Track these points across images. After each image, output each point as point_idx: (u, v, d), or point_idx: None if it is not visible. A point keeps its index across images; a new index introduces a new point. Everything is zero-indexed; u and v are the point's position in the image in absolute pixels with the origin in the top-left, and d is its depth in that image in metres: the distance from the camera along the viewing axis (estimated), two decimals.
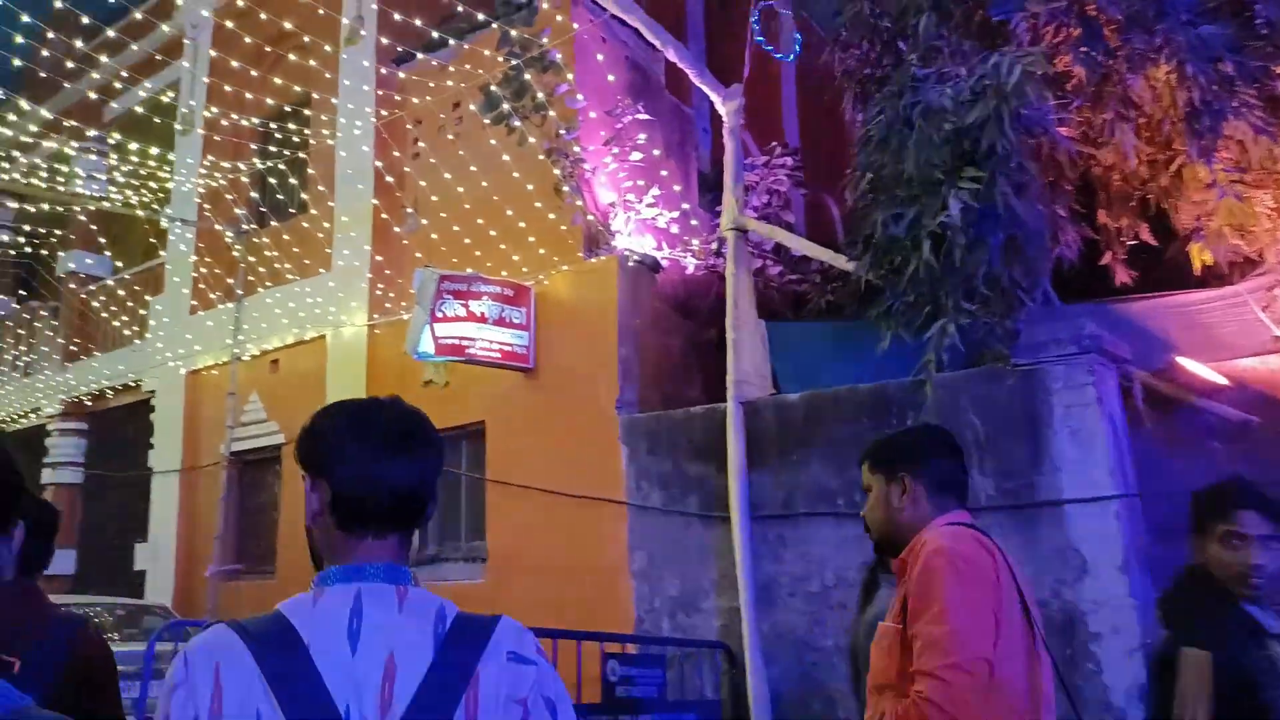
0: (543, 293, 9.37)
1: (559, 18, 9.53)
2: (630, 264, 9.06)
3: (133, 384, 14.43)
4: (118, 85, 15.30)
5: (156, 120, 13.79)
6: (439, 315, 8.59)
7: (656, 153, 9.66)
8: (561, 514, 8.71)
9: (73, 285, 16.13)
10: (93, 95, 15.19)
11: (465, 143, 10.49)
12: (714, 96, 8.45)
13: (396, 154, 11.12)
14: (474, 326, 8.76)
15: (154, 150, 12.73)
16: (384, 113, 11.23)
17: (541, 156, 9.27)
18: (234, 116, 12.96)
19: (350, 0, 12.03)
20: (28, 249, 16.75)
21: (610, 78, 9.79)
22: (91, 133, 15.43)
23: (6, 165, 14.84)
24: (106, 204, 13.88)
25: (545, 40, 8.88)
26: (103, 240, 15.37)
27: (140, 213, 12.71)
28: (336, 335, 11.12)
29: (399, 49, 11.37)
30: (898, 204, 5.97)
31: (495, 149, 9.79)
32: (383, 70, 11.51)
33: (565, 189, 9.10)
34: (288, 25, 11.64)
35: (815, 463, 7.32)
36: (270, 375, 12.22)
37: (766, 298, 9.18)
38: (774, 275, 9.66)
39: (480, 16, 10.23)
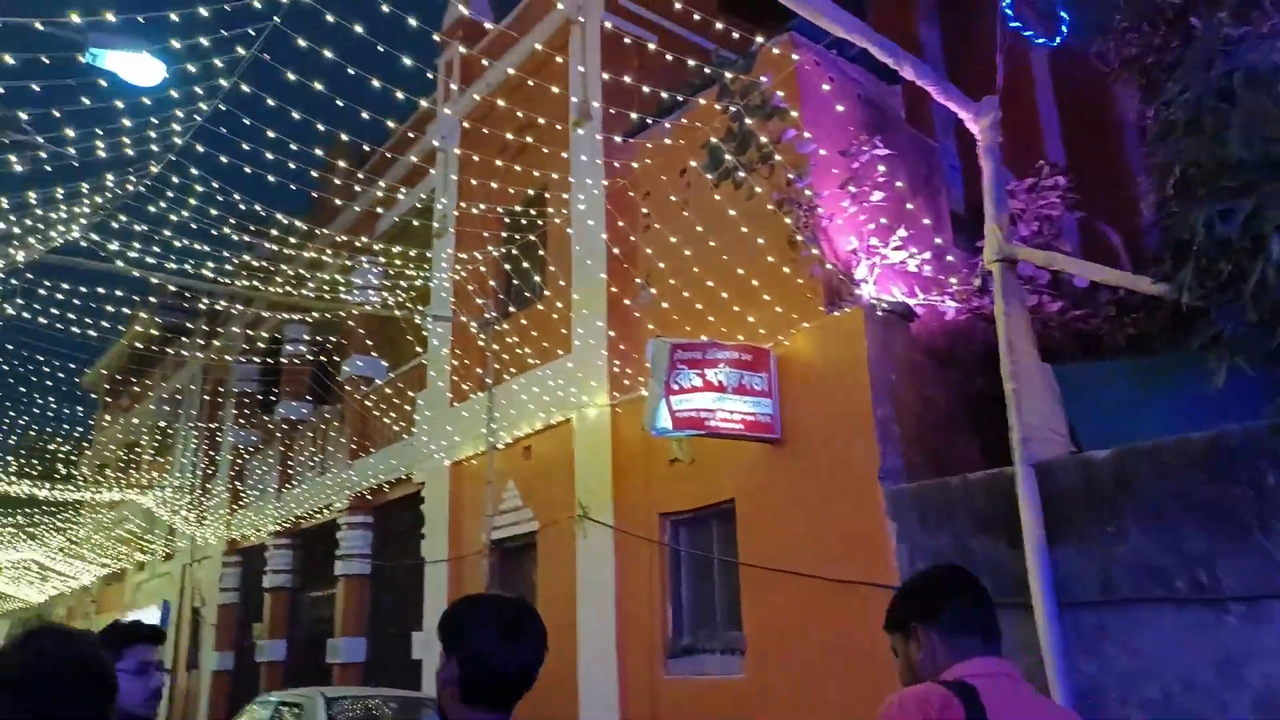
0: (784, 355, 8.57)
1: (776, 50, 8.93)
2: (879, 314, 8.08)
3: (405, 477, 15.15)
4: (381, 193, 16.59)
5: (417, 223, 14.72)
6: (674, 387, 8.02)
7: (900, 185, 8.67)
8: (824, 599, 7.70)
9: (352, 388, 17.40)
10: (356, 207, 16.58)
11: (693, 206, 10.06)
12: (963, 114, 7.39)
13: (621, 223, 10.93)
14: (712, 397, 8.11)
15: (414, 254, 13.52)
16: (605, 183, 11.10)
17: (771, 207, 8.59)
18: (482, 208, 13.49)
19: (577, 80, 12.17)
20: (321, 358, 18.41)
21: (839, 108, 8.99)
22: (362, 239, 16.75)
23: (300, 285, 16.40)
24: (372, 308, 14.86)
25: (765, 83, 8.27)
26: (371, 343, 16.49)
27: (397, 313, 13.35)
28: (581, 417, 10.92)
29: (631, 115, 11.31)
30: (1223, 198, 4.64)
31: (723, 207, 9.25)
32: (612, 147, 11.45)
33: (800, 239, 8.34)
34: (523, 115, 11.97)
35: (1136, 534, 5.86)
36: (523, 462, 12.25)
37: (1048, 338, 7.82)
38: (1054, 312, 8.26)
39: (703, 67, 9.86)
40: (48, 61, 8.30)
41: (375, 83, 9.51)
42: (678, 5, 9.26)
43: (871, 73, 10.14)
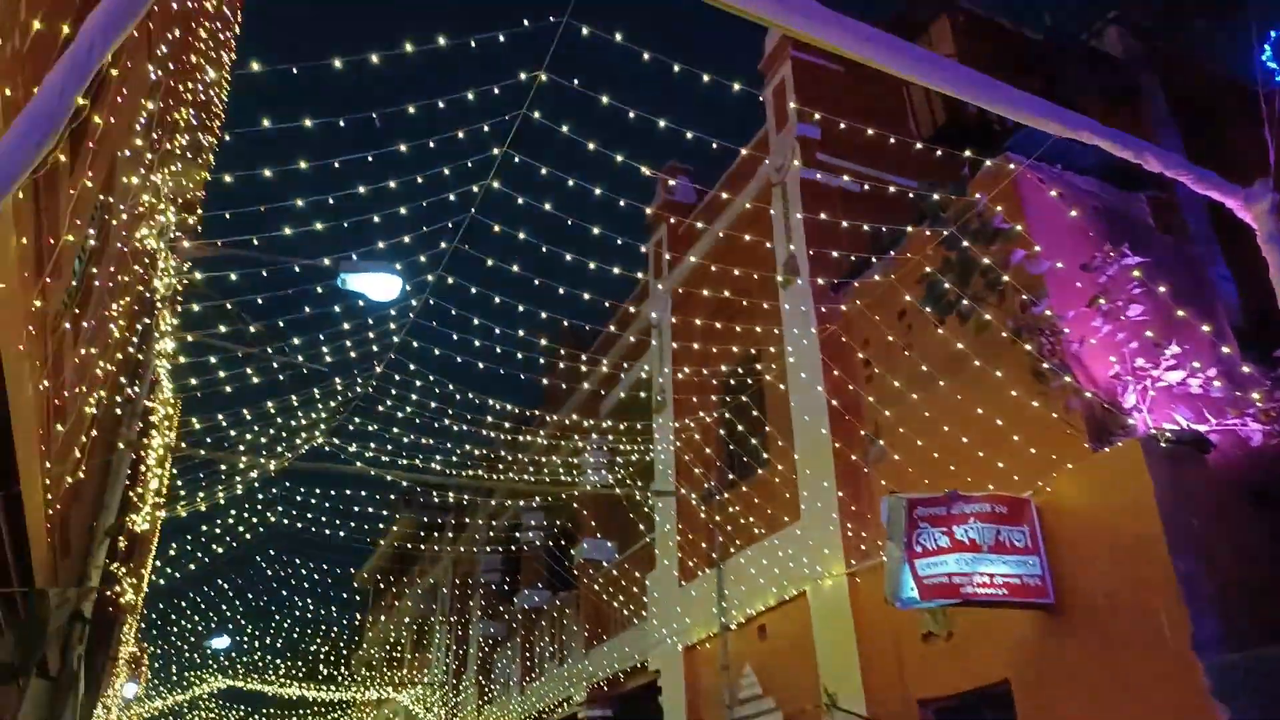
0: (1048, 504, 7.32)
1: (992, 173, 8.18)
2: (1163, 446, 6.74)
3: (640, 665, 14.39)
4: (604, 370, 16.85)
5: (642, 395, 14.72)
6: (918, 550, 6.98)
7: (1161, 289, 7.45)
8: None
9: (582, 573, 17.15)
10: (584, 384, 16.89)
11: (918, 347, 9.23)
12: (1231, 203, 6.26)
13: (838, 373, 10.20)
14: (965, 558, 6.97)
15: (638, 428, 13.42)
16: (816, 333, 10.48)
17: (1006, 334, 7.61)
18: (701, 373, 13.28)
19: (781, 236, 11.91)
20: (553, 543, 18.46)
21: (1072, 219, 7.99)
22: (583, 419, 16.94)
23: (535, 471, 16.73)
24: (595, 488, 14.74)
25: (980, 201, 7.52)
26: (598, 525, 16.29)
27: (618, 491, 13.08)
28: (817, 590, 9.88)
29: (839, 260, 10.82)
30: None
31: (952, 344, 8.36)
32: (823, 297, 10.95)
33: (1047, 369, 7.26)
34: (737, 273, 11.80)
35: None
36: (759, 643, 11.22)
37: None
38: None
39: (911, 198, 9.26)
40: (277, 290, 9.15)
41: (591, 265, 9.73)
42: (878, 132, 8.85)
43: (1108, 183, 9.14)
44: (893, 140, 8.95)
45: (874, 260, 10.35)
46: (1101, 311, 7.43)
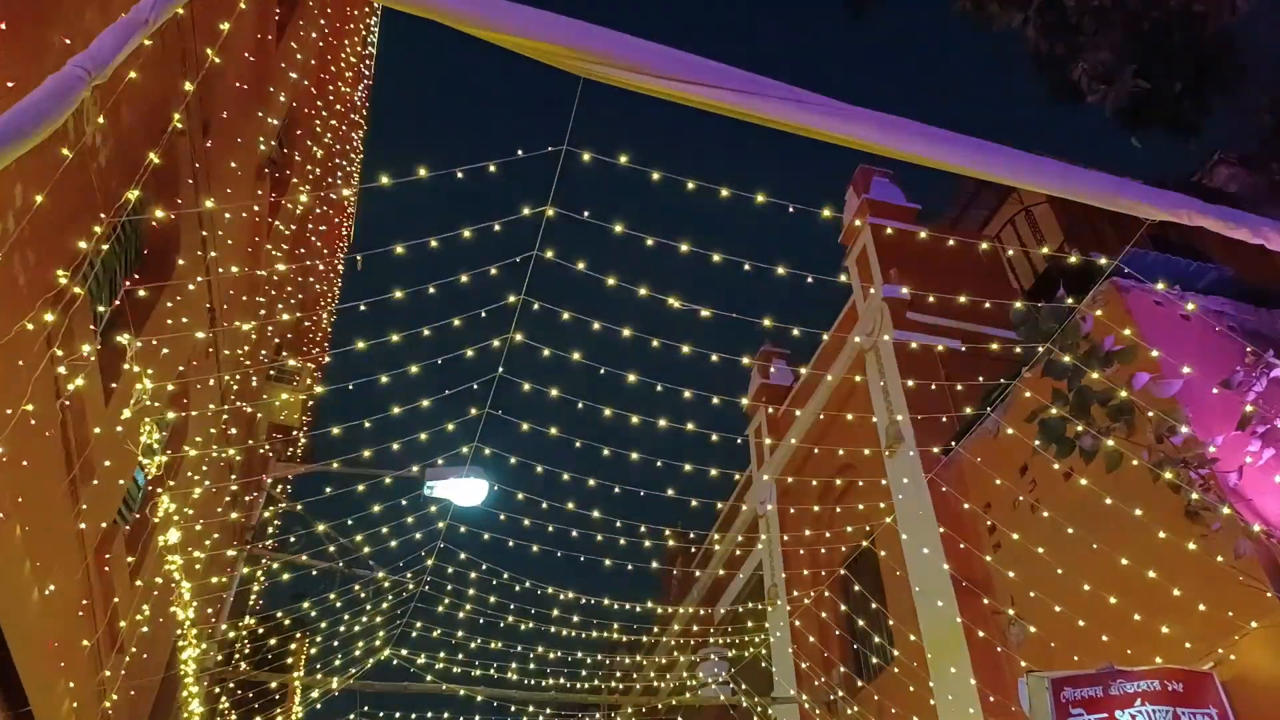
0: (1235, 675, 5.86)
1: (1101, 304, 7.30)
2: None
3: None
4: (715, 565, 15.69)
5: (749, 605, 13.52)
6: None
7: None
8: None
9: None
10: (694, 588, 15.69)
11: (1047, 504, 8.05)
12: None
13: (960, 545, 9.00)
14: None
15: (747, 626, 12.18)
16: (926, 493, 9.37)
17: (1144, 466, 6.46)
18: (814, 566, 12.12)
19: (880, 410, 11.05)
20: None
21: (1188, 306, 6.91)
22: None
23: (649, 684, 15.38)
24: (693, 695, 13.29)
25: (1085, 326, 6.64)
26: None
27: (743, 701, 11.69)
28: None
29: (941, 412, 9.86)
30: None
31: (1084, 493, 7.20)
32: (933, 463, 9.91)
33: (1201, 505, 6.05)
34: (833, 475, 10.92)
35: None
36: None
37: None
38: None
39: (1015, 349, 8.38)
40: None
41: (687, 467, 9.20)
42: (968, 295, 8.20)
43: (1243, 301, 8.15)
44: (988, 303, 8.33)
45: (984, 413, 9.39)
46: (1258, 434, 6.25)
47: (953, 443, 10.02)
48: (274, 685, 9.26)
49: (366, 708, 9.61)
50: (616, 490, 7.97)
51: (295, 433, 13.18)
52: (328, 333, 16.80)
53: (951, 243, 11.45)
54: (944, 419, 10.13)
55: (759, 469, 14.98)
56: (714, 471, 8.72)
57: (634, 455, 7.78)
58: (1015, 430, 8.65)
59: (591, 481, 7.89)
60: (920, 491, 9.92)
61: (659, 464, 8.27)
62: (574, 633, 9.55)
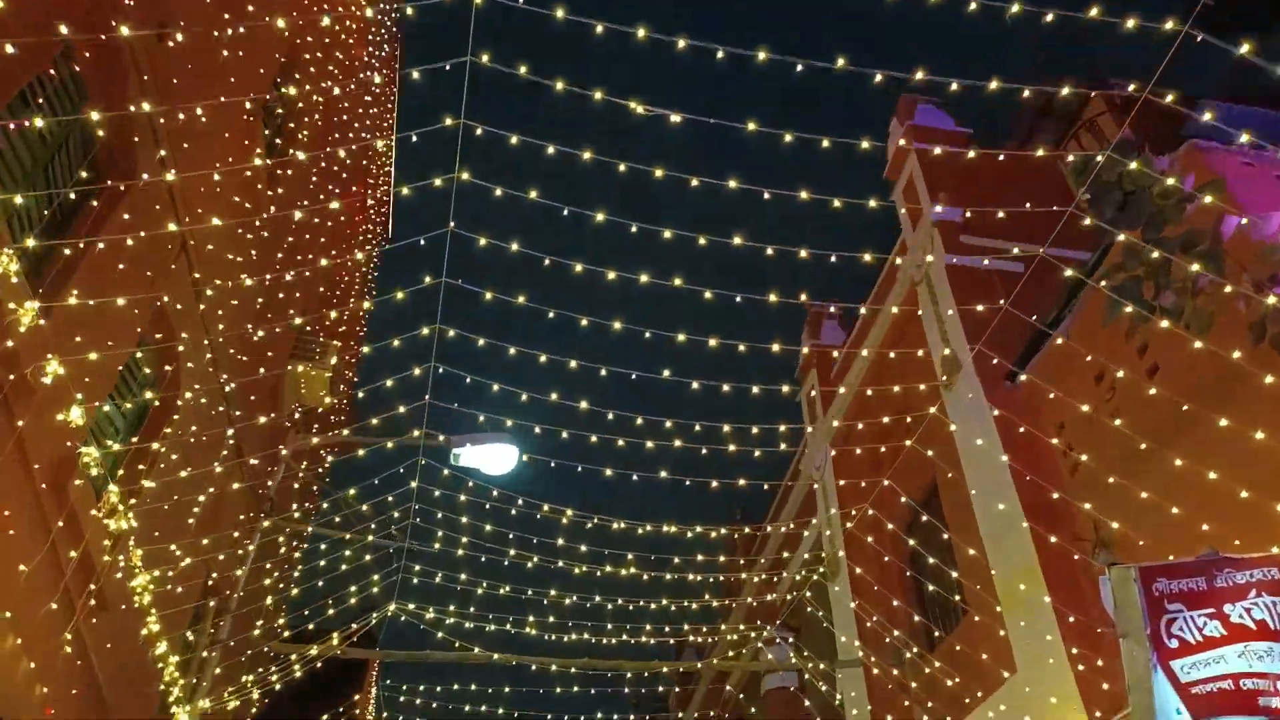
0: None
1: (1176, 158, 6.26)
2: None
3: None
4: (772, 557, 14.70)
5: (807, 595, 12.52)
6: (1170, 645, 4.58)
7: None
8: None
9: None
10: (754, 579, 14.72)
11: (1128, 407, 7.00)
12: None
13: (1030, 478, 7.94)
14: (1256, 650, 4.49)
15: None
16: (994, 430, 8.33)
17: (1240, 327, 5.41)
18: (875, 525, 11.09)
19: (935, 343, 10.04)
20: None
21: None
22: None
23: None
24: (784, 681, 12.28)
25: (1156, 164, 5.63)
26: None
27: (791, 664, 10.68)
28: None
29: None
30: None
31: (1170, 384, 6.16)
32: (998, 393, 8.88)
33: None
34: (887, 419, 9.94)
35: None
36: None
37: None
38: None
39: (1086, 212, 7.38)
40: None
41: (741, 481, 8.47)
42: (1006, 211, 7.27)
43: None
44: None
45: (1053, 326, 8.38)
46: None
47: (1015, 368, 8.99)
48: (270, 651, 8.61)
49: None
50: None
51: (320, 409, 12.68)
52: (361, 319, 16.39)
53: (1002, 158, 10.47)
54: (1005, 342, 9.12)
55: (813, 434, 14.00)
56: (755, 454, 8.02)
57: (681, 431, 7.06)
58: (1087, 338, 7.67)
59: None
60: (984, 422, 8.89)
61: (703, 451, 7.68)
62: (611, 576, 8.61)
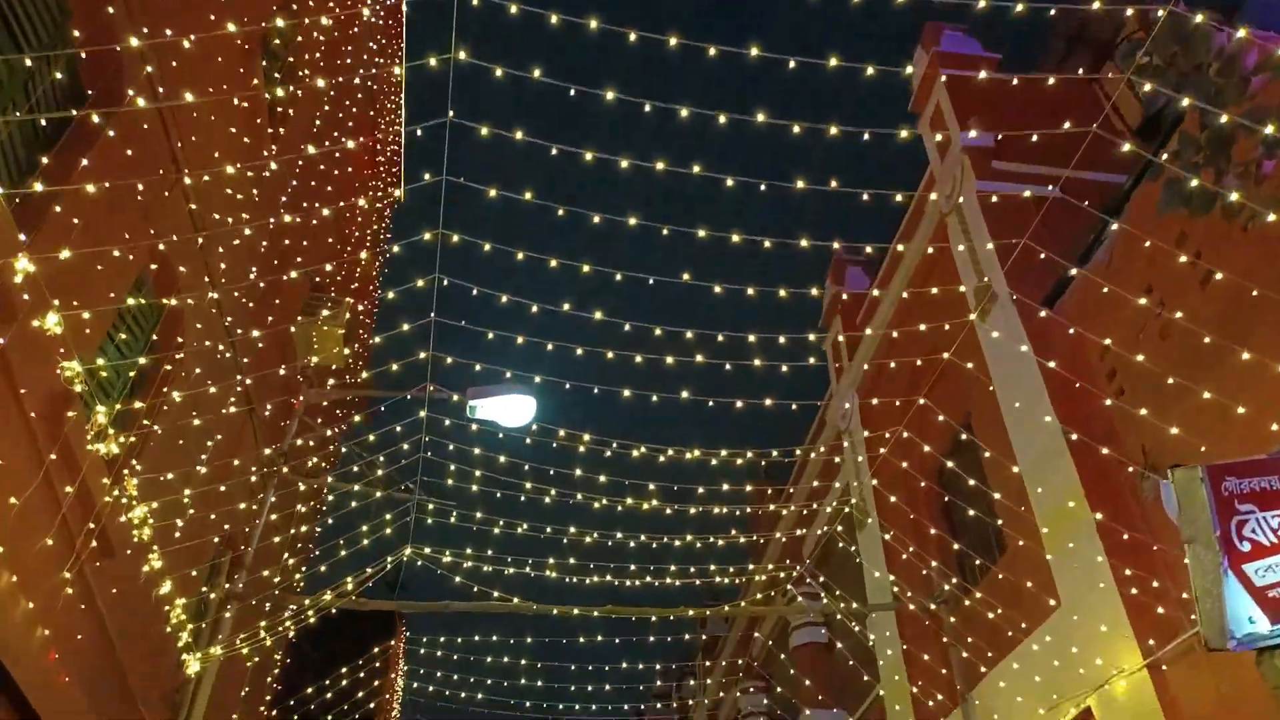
0: None
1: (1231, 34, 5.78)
2: None
3: None
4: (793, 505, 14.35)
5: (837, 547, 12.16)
6: (1241, 547, 4.20)
7: None
8: None
9: None
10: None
11: (1175, 324, 6.56)
12: None
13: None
14: None
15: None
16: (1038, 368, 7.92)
17: None
18: (906, 471, 10.73)
19: (967, 275, 9.61)
20: None
21: None
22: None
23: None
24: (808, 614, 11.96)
25: (1218, 33, 5.17)
26: (821, 696, 13.27)
27: (820, 609, 10.34)
28: (1106, 702, 6.72)
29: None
30: None
31: (1227, 289, 5.72)
32: (1035, 321, 8.45)
33: None
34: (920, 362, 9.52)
35: None
36: None
37: None
38: None
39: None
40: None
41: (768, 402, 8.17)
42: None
43: None
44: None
45: (1102, 238, 7.95)
46: None
47: (1053, 295, 8.57)
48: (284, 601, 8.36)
49: None
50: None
51: (335, 366, 12.42)
52: (375, 274, 16.10)
53: (1033, 82, 9.96)
54: (1041, 270, 8.69)
55: (838, 384, 13.62)
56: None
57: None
58: (1132, 256, 7.24)
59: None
60: (1021, 346, 8.47)
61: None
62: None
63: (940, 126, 10.79)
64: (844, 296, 14.18)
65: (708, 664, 18.72)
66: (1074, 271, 8.28)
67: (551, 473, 7.77)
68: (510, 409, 10.15)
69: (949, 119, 10.60)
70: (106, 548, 6.64)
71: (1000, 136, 9.99)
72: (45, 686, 5.98)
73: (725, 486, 7.84)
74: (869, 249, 14.23)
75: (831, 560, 12.53)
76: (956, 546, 9.63)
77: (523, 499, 7.87)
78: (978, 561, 9.27)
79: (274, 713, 12.78)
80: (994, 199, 9.09)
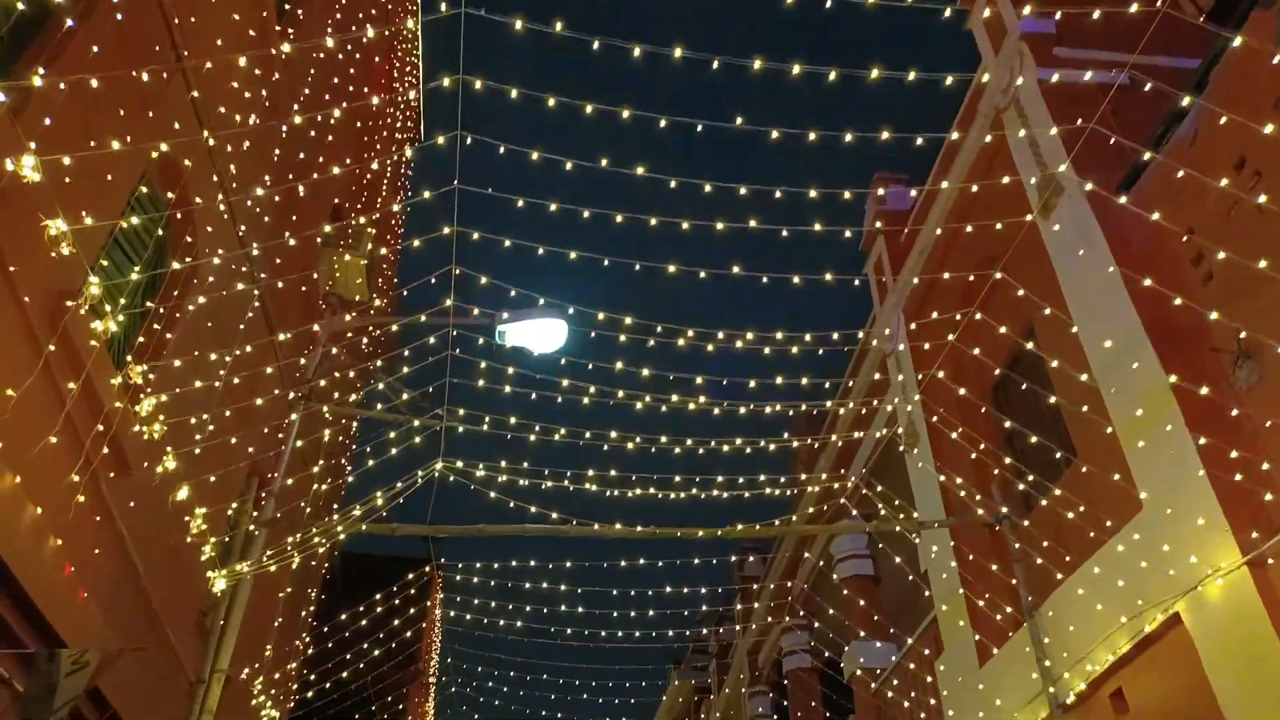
0: None
1: None
2: None
3: None
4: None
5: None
6: None
7: None
8: None
9: (863, 688, 13.48)
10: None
11: (1273, 185, 5.93)
12: None
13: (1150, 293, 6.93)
14: None
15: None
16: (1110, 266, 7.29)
17: None
18: (960, 386, 10.17)
19: (1028, 172, 8.96)
20: (825, 667, 15.02)
21: None
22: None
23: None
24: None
25: None
26: (864, 631, 12.84)
27: (900, 529, 9.78)
28: (1197, 605, 6.18)
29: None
30: None
31: None
32: (1107, 213, 7.81)
33: None
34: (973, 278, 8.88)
35: None
36: None
37: None
38: None
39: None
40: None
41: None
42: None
43: None
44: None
45: (1180, 127, 7.28)
46: None
47: (1126, 183, 7.91)
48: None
49: None
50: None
51: (359, 299, 11.99)
52: (396, 218, 15.62)
53: None
54: (1110, 159, 8.04)
55: (881, 307, 13.00)
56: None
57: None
58: (1216, 128, 6.58)
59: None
60: (1092, 246, 7.85)
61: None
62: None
63: (995, 19, 10.06)
64: (885, 207, 13.52)
65: (747, 605, 18.35)
66: (1148, 155, 7.67)
67: (590, 367, 7.24)
68: (541, 333, 9.72)
69: (1003, 4, 9.87)
70: (122, 462, 6.26)
71: (1056, 20, 9.29)
72: (62, 604, 5.63)
73: (779, 380, 7.29)
74: (919, 140, 13.53)
75: (890, 470, 11.97)
76: (1029, 441, 9.07)
77: (559, 400, 7.38)
78: (1057, 456, 8.66)
79: (311, 649, 12.58)
80: (1055, 78, 8.38)
